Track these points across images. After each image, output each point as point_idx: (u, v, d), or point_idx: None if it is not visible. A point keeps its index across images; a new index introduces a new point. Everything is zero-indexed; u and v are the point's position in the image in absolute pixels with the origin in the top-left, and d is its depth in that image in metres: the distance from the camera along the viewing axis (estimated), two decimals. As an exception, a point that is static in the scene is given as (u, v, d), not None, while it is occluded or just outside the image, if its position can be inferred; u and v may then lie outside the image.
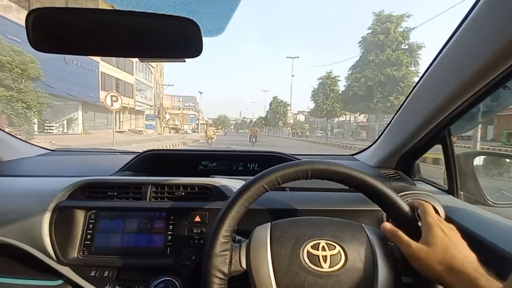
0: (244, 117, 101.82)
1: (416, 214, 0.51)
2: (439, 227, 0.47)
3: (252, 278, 0.47)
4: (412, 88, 0.76)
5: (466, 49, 0.54)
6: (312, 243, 0.48)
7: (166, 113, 40.68)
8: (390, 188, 0.51)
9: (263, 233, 0.50)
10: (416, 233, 0.48)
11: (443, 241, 0.45)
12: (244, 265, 0.48)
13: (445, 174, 0.80)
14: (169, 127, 38.91)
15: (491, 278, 0.40)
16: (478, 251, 0.51)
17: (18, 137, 1.12)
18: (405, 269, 0.48)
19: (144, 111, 29.30)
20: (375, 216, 0.69)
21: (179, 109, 57.59)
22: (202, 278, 0.46)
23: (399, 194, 0.70)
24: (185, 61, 0.56)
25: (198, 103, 73.00)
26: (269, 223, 0.53)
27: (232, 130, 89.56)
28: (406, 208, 0.51)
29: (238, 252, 0.49)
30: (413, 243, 0.46)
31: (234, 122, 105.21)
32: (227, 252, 0.47)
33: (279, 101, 48.25)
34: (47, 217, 0.68)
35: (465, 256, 0.43)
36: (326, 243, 0.48)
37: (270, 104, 49.84)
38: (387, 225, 0.50)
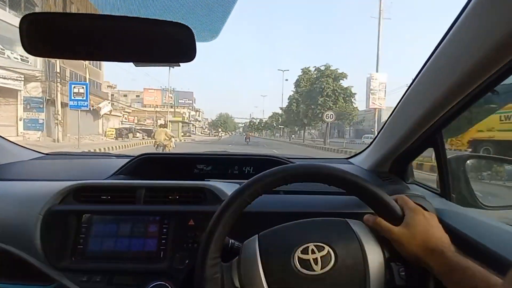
0: (253, 118, 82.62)
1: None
2: (421, 213, 0.51)
3: None
4: (404, 92, 0.77)
5: (456, 53, 0.56)
6: (301, 248, 0.48)
7: (105, 99, 21.66)
8: (362, 178, 0.52)
9: (252, 247, 0.50)
10: (394, 217, 0.50)
11: (423, 225, 0.49)
12: (237, 284, 0.47)
13: (437, 177, 0.81)
14: (119, 130, 21.72)
15: (457, 254, 0.45)
16: (469, 253, 0.51)
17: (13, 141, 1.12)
18: (394, 256, 0.49)
19: (18, 91, 13.68)
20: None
21: (171, 107, 47.57)
22: None
23: (392, 197, 0.70)
24: (179, 65, 0.57)
25: (195, 98, 61.41)
26: (256, 236, 0.53)
27: (244, 134, 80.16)
28: (385, 196, 0.51)
29: (229, 272, 0.49)
30: (394, 229, 0.49)
31: (243, 125, 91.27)
32: (218, 275, 0.47)
33: (321, 69, 23.42)
34: (39, 221, 0.67)
35: (440, 237, 0.49)
36: (314, 246, 0.48)
37: (298, 84, 25.77)
38: (367, 216, 0.53)
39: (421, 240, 0.47)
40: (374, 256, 0.47)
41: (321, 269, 0.46)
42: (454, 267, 0.43)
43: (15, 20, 11.34)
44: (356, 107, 23.91)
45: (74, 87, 12.62)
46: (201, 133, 60.24)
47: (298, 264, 0.47)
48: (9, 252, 0.67)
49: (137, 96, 48.92)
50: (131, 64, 0.55)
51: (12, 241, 0.67)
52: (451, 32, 0.56)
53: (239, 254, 0.51)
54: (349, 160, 1.18)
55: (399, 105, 0.79)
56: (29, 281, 0.70)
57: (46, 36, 0.46)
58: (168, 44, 0.48)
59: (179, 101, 53.26)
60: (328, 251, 0.47)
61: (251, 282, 0.46)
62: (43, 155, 1.17)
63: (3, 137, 1.05)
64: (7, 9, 12.91)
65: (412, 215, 0.50)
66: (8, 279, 0.71)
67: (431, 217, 0.52)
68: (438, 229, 0.50)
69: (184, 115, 48.11)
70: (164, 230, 0.69)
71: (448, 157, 0.78)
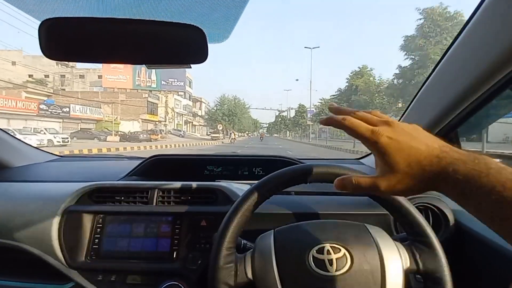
0: (281, 111, 54.36)
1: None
2: (383, 138, 0.32)
3: None
4: (417, 90, 0.75)
5: (472, 51, 0.54)
6: (317, 248, 0.48)
7: None
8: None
9: (267, 241, 0.50)
10: (413, 231, 0.48)
11: (398, 152, 0.31)
12: (250, 275, 0.48)
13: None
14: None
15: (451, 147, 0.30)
16: (489, 255, 0.50)
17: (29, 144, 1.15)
18: (412, 267, 0.47)
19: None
20: (382, 219, 0.68)
21: (151, 92, 31.02)
22: None
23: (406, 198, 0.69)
24: (190, 67, 0.58)
25: (190, 80, 39.21)
26: (272, 230, 0.53)
27: (266, 135, 52.41)
28: (408, 206, 0.50)
29: (243, 263, 0.49)
30: (378, 180, 0.33)
31: (267, 125, 70.23)
32: (231, 264, 0.48)
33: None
34: (56, 221, 0.69)
35: (426, 145, 0.31)
36: (330, 247, 0.47)
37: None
38: (338, 181, 0.36)
39: (408, 171, 0.30)
40: (393, 265, 0.46)
41: (336, 270, 0.45)
42: (465, 189, 0.28)
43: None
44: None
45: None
46: (208, 134, 37.12)
47: (312, 263, 0.46)
48: (27, 251, 0.69)
49: (99, 77, 31.99)
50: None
51: (31, 240, 0.69)
52: (465, 29, 0.55)
53: (254, 247, 0.52)
54: (360, 160, 1.17)
55: (412, 104, 0.78)
56: (46, 280, 0.72)
57: (63, 40, 0.47)
58: (181, 46, 0.48)
59: (162, 82, 33.29)
60: (344, 254, 0.47)
61: (264, 275, 0.47)
62: (57, 157, 1.20)
63: (20, 140, 1.08)
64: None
65: (377, 152, 0.33)
66: (26, 277, 0.73)
67: (398, 131, 0.32)
68: (416, 140, 0.31)
69: (154, 104, 28.00)
70: (177, 230, 0.70)
71: None
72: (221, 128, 30.69)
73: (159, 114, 31.42)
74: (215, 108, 38.95)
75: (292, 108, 48.18)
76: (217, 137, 27.87)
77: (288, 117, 48.59)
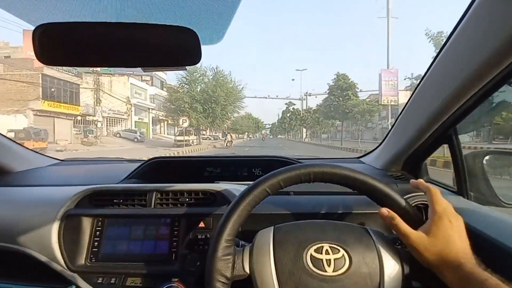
0: (291, 103, 38.60)
1: (421, 212, 0.51)
2: (446, 218, 0.46)
3: (255, 282, 0.47)
4: (415, 87, 0.75)
5: (468, 46, 0.54)
6: (315, 247, 0.47)
7: None
8: (394, 190, 0.51)
9: (266, 236, 0.50)
10: (416, 223, 0.48)
11: (445, 233, 0.45)
12: (247, 269, 0.48)
13: (454, 174, 0.78)
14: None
15: (476, 266, 0.42)
16: (488, 252, 0.49)
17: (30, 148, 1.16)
18: (413, 274, 0.47)
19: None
20: (380, 219, 0.68)
21: (101, 75, 20.74)
22: (205, 282, 0.46)
23: (406, 196, 0.68)
24: (186, 69, 0.58)
25: None
26: (272, 226, 0.53)
27: (270, 136, 50.04)
28: (408, 207, 0.50)
29: (241, 256, 0.49)
30: (412, 234, 0.46)
31: (270, 125, 65.01)
32: (229, 256, 0.48)
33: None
34: (56, 225, 0.70)
35: (461, 248, 0.44)
36: (329, 247, 0.47)
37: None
38: (384, 211, 0.49)
39: (440, 250, 0.44)
40: (392, 270, 0.46)
41: (333, 271, 0.45)
42: (470, 281, 0.40)
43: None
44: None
45: None
46: (209, 137, 22.93)
47: (310, 261, 0.46)
48: (28, 255, 0.69)
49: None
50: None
51: (31, 244, 0.70)
52: (461, 24, 0.54)
53: (253, 241, 0.52)
54: (360, 159, 1.16)
55: (410, 100, 0.77)
56: (47, 282, 0.72)
57: (57, 45, 0.47)
58: (174, 48, 0.49)
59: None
60: (343, 255, 0.46)
61: (261, 269, 0.47)
62: (58, 161, 1.21)
63: (21, 145, 1.09)
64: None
65: (436, 219, 0.46)
66: (27, 280, 0.73)
67: (457, 222, 0.47)
68: (460, 238, 0.45)
69: (71, 85, 16.56)
70: (175, 232, 0.70)
71: (464, 153, 0.76)
72: (186, 125, 16.78)
73: (88, 104, 18.93)
74: (179, 90, 20.11)
75: (310, 94, 33.28)
76: (181, 141, 16.13)
77: (305, 107, 33.46)
